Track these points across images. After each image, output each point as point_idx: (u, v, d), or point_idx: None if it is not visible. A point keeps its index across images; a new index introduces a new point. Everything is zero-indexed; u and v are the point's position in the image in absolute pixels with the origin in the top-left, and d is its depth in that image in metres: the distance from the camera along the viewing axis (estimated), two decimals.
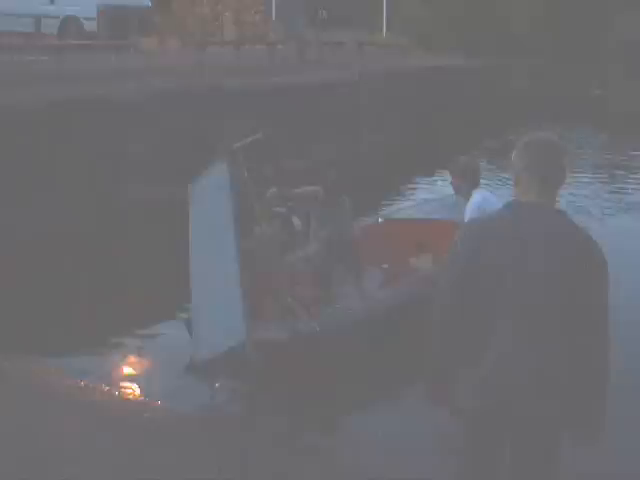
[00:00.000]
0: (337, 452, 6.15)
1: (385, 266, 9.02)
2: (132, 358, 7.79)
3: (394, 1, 37.71)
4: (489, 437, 3.63)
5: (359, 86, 20.56)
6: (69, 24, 21.18)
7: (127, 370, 7.50)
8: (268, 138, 7.57)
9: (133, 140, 13.64)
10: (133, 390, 7.03)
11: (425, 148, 21.27)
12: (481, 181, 7.48)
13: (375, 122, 21.09)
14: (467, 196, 7.26)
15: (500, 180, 15.63)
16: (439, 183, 16.20)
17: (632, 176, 18.71)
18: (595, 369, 3.49)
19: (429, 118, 24.63)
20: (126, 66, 16.04)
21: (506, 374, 3.43)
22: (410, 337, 5.76)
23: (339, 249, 8.00)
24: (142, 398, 6.88)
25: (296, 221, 7.75)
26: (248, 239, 6.92)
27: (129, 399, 6.78)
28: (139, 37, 20.38)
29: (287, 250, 7.73)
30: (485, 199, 7.01)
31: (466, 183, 7.33)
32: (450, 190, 7.97)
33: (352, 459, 5.83)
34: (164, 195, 13.13)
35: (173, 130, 14.36)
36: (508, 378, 3.43)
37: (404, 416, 6.54)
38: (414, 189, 17.15)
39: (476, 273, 3.44)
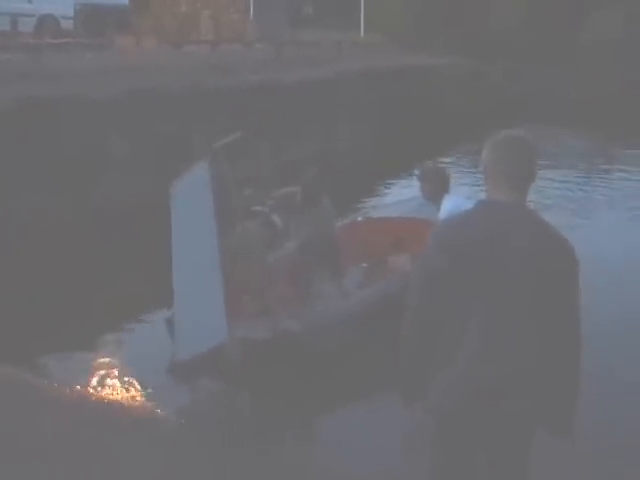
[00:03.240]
0: (317, 453, 6.18)
1: (364, 265, 9.04)
2: (112, 358, 7.76)
3: (372, 0, 37.72)
4: (461, 436, 3.64)
5: (336, 85, 20.58)
6: (46, 22, 21.04)
7: (106, 371, 7.46)
8: (245, 138, 7.59)
9: (111, 138, 13.58)
10: (112, 391, 7.00)
11: (402, 147, 21.29)
12: (452, 186, 7.56)
13: (352, 120, 21.12)
14: (439, 202, 7.30)
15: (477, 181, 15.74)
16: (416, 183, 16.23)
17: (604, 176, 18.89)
18: (567, 366, 3.53)
19: (406, 117, 24.67)
20: (103, 65, 15.95)
21: (479, 372, 3.45)
22: (388, 336, 5.79)
23: (319, 248, 8.01)
24: (121, 399, 6.86)
25: (277, 220, 7.75)
26: (229, 238, 6.93)
27: (108, 400, 6.76)
28: (116, 36, 20.29)
29: (269, 249, 7.73)
30: (456, 204, 7.02)
31: (437, 190, 7.37)
32: None
33: (331, 460, 5.84)
34: (145, 194, 13.14)
35: (151, 129, 14.33)
36: (481, 376, 3.45)
37: (382, 415, 6.55)
38: (392, 188, 17.19)
39: (448, 272, 3.44)
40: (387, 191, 16.82)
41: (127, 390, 6.99)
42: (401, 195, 14.70)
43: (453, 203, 7.10)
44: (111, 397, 6.85)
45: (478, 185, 15.26)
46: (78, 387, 6.93)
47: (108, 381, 7.23)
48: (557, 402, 3.59)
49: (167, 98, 14.83)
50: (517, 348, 3.43)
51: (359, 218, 9.78)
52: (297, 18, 27.11)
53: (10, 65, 14.93)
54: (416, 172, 8.06)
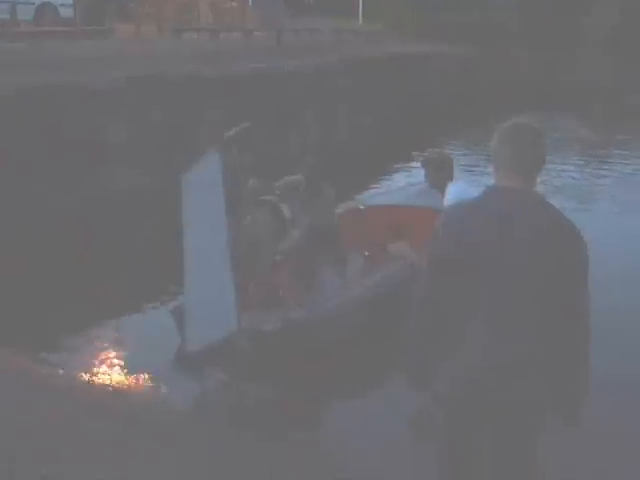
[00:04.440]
0: (324, 443, 6.19)
1: (366, 253, 9.05)
2: (119, 348, 7.76)
3: None
4: (466, 423, 3.66)
5: (336, 72, 20.57)
6: (45, 10, 20.99)
7: (115, 360, 7.47)
8: (252, 129, 7.60)
9: (113, 127, 13.56)
10: (119, 380, 7.01)
11: (402, 134, 21.31)
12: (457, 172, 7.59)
13: (352, 108, 21.12)
14: (443, 189, 7.32)
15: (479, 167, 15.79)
16: (417, 170, 16.30)
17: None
18: (574, 353, 3.53)
19: (407, 104, 24.68)
20: (104, 52, 15.91)
21: (489, 360, 3.46)
22: (393, 324, 5.80)
23: (322, 237, 8.02)
24: (129, 389, 6.88)
25: (285, 209, 7.76)
26: (240, 228, 6.94)
27: (115, 389, 6.78)
28: (116, 23, 20.25)
29: (278, 238, 7.73)
30: (461, 190, 7.02)
31: (442, 177, 7.40)
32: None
33: (339, 449, 5.87)
34: (147, 183, 13.16)
35: (152, 117, 14.32)
36: (491, 364, 3.46)
37: (389, 404, 6.57)
38: (393, 175, 17.20)
39: (456, 259, 3.46)
40: (388, 178, 16.81)
41: (134, 379, 6.99)
42: (401, 182, 14.76)
43: (457, 189, 7.11)
44: (117, 386, 6.86)
45: (479, 170, 15.40)
46: (85, 375, 6.98)
47: (114, 369, 7.23)
48: (564, 390, 3.60)
49: (168, 85, 14.79)
50: (523, 335, 3.43)
51: (360, 206, 9.75)
52: (297, 6, 27.01)
53: (10, 53, 14.88)
54: (420, 159, 8.06)
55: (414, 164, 18.14)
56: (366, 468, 5.51)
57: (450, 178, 7.39)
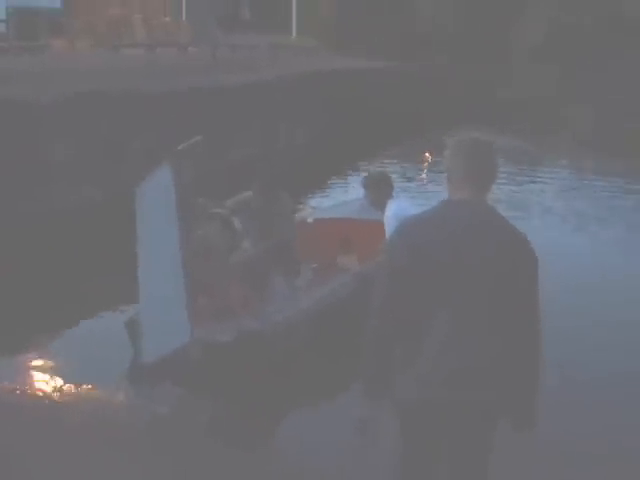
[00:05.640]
0: (281, 453, 6.21)
1: (314, 265, 9.13)
2: (70, 362, 7.68)
3: (303, 3, 37.89)
4: (426, 427, 3.73)
5: (272, 87, 20.66)
6: None
7: (65, 373, 7.38)
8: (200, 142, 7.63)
9: (51, 144, 13.41)
10: (70, 394, 6.94)
11: (338, 148, 21.46)
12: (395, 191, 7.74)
13: (289, 123, 21.23)
14: (383, 208, 7.45)
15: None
16: (354, 184, 16.56)
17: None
18: (527, 360, 3.63)
19: (340, 120, 24.86)
20: (40, 68, 15.74)
21: (444, 366, 3.53)
22: (345, 334, 5.87)
23: (276, 247, 8.08)
24: (81, 402, 6.81)
25: (236, 222, 7.81)
26: (191, 241, 6.96)
27: (66, 403, 6.72)
28: (49, 39, 20.05)
29: (229, 250, 7.77)
30: (401, 208, 7.18)
31: (381, 196, 7.54)
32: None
33: (297, 460, 5.89)
34: (89, 199, 13.06)
35: (90, 134, 14.20)
36: (446, 370, 3.54)
37: (343, 413, 6.60)
38: (332, 189, 17.34)
39: (412, 270, 3.52)
40: (327, 192, 16.95)
41: (86, 392, 6.92)
42: (343, 196, 14.90)
43: (397, 206, 7.27)
44: (68, 400, 6.79)
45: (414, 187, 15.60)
46: (35, 390, 6.90)
47: (64, 383, 7.13)
48: (519, 395, 3.70)
49: (106, 101, 14.70)
50: (477, 342, 3.52)
51: (308, 219, 9.84)
52: (233, 22, 27.05)
53: None
54: (361, 179, 8.17)
55: (350, 179, 18.46)
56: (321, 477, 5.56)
57: (389, 196, 7.54)
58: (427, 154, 21.19)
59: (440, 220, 3.59)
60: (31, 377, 7.28)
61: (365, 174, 8.40)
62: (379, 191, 7.58)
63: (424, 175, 19.29)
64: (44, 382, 7.16)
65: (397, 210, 7.12)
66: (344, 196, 14.95)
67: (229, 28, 28.11)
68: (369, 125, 25.34)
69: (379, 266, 3.82)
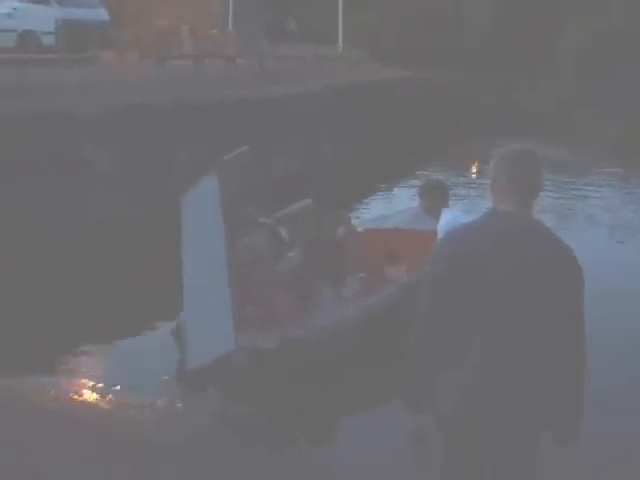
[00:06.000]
0: (325, 460, 6.22)
1: (361, 275, 9.14)
2: (117, 368, 7.78)
3: (349, 15, 37.98)
4: (469, 442, 3.72)
5: (319, 98, 20.73)
6: (27, 38, 21.08)
7: (112, 380, 7.46)
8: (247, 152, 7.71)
9: (97, 154, 13.56)
10: (119, 399, 7.01)
11: (385, 159, 21.46)
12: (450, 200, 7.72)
13: (335, 133, 21.26)
14: (437, 216, 7.45)
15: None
16: (403, 194, 16.57)
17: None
18: (571, 374, 3.59)
19: (385, 129, 24.85)
20: (89, 80, 15.91)
21: (485, 380, 3.53)
22: (389, 344, 5.86)
23: (324, 257, 8.12)
24: (128, 408, 6.88)
25: (282, 231, 7.86)
26: (237, 249, 7.01)
27: (114, 409, 6.79)
28: (98, 51, 20.29)
29: (275, 259, 7.82)
30: (455, 217, 7.15)
31: (436, 204, 7.53)
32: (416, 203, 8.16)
33: (340, 468, 5.91)
34: (135, 209, 13.17)
35: (137, 145, 14.35)
36: (487, 384, 3.53)
37: (388, 424, 6.60)
38: (379, 200, 17.34)
39: (454, 282, 3.53)
40: (370, 204, 16.94)
41: (133, 398, 6.99)
42: (387, 207, 14.91)
43: (451, 216, 7.25)
44: (116, 406, 6.86)
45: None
46: (80, 397, 6.97)
47: (110, 390, 7.20)
48: (561, 408, 3.65)
49: (155, 113, 14.84)
50: (518, 355, 3.50)
51: (358, 229, 9.87)
52: (280, 33, 27.22)
53: None
54: (418, 186, 8.17)
55: (397, 189, 18.44)
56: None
57: (445, 205, 7.52)
58: (474, 163, 21.12)
59: (485, 231, 3.59)
60: (76, 386, 7.35)
61: (420, 182, 8.36)
62: (434, 199, 7.57)
63: (473, 183, 19.18)
64: (89, 390, 7.22)
65: (451, 219, 7.10)
66: (388, 207, 14.99)
67: (275, 39, 28.28)
68: (413, 135, 25.34)
69: (424, 275, 3.83)
